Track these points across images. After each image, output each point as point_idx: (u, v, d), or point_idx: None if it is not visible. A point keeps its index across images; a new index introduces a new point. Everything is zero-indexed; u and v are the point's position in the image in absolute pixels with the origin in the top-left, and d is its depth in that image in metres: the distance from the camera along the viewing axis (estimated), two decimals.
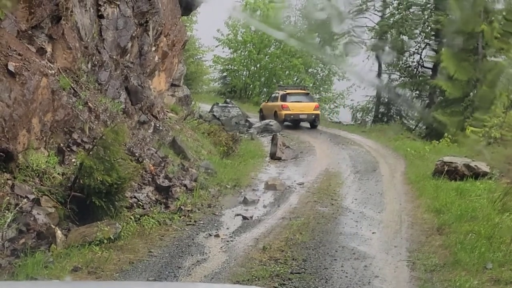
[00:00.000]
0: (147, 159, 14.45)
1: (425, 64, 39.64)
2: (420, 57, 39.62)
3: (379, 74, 41.39)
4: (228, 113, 30.25)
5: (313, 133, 30.04)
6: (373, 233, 11.22)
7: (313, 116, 31.73)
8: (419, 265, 9.09)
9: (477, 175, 16.01)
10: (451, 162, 16.54)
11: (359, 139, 28.00)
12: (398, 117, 40.22)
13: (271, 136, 24.41)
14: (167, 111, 22.27)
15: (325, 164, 20.45)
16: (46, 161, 11.08)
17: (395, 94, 41.29)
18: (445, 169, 16.33)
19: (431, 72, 38.41)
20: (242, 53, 52.50)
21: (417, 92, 39.65)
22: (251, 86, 52.19)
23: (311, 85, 52.43)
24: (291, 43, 44.28)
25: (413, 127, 38.09)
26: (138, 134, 16.23)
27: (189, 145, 19.27)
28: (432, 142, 25.56)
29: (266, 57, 51.59)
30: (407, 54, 40.71)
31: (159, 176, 13.90)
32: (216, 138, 22.40)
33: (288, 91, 33.31)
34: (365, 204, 13.95)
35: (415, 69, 40.36)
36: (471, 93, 30.20)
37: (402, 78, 40.83)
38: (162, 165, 14.77)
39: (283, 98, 32.37)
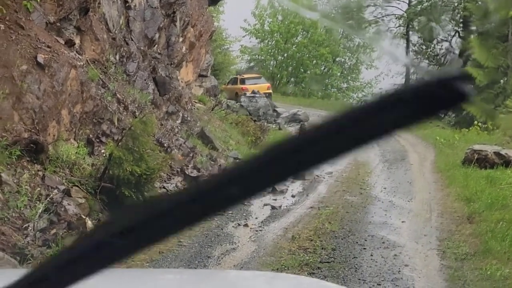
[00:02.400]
0: (175, 150, 14.51)
1: (454, 52, 39.30)
2: (450, 44, 39.26)
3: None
4: (256, 103, 30.31)
5: None
6: (402, 222, 11.14)
7: (267, 95, 35.56)
8: (449, 254, 9.01)
9: (507, 163, 15.80)
10: (481, 150, 16.36)
11: None
12: None
13: (299, 126, 24.38)
14: (195, 102, 22.35)
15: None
16: (76, 152, 11.17)
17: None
18: (475, 157, 16.15)
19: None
20: (269, 43, 52.57)
21: None
22: (278, 75, 52.15)
23: (338, 74, 52.34)
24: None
25: (442, 115, 37.78)
26: (167, 124, 16.30)
27: (217, 136, 19.32)
28: (462, 131, 25.33)
29: (293, 46, 51.54)
30: (435, 41, 40.44)
31: (188, 166, 13.96)
32: (244, 128, 22.41)
33: (245, 76, 40.22)
34: (394, 193, 13.87)
35: (443, 57, 39.97)
36: (501, 81, 29.89)
37: (431, 66, 40.46)
38: (191, 155, 14.82)
39: (242, 81, 38.70)
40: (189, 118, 18.37)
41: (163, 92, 17.46)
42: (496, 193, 12.46)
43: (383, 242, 9.70)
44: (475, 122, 24.98)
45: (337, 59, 53.47)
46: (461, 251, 9.06)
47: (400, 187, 14.50)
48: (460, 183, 14.05)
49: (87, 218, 9.65)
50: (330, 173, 16.42)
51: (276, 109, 32.04)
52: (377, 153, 20.35)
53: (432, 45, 40.34)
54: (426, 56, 40.62)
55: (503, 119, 22.65)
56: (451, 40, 39.29)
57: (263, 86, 37.75)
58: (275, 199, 13.24)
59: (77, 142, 11.61)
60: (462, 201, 12.34)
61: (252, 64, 54.63)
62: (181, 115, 18.07)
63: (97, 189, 10.46)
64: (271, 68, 52.17)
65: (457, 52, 38.46)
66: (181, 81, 20.44)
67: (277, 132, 25.73)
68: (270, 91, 38.37)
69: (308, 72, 51.05)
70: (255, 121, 24.90)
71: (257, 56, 53.60)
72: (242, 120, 23.65)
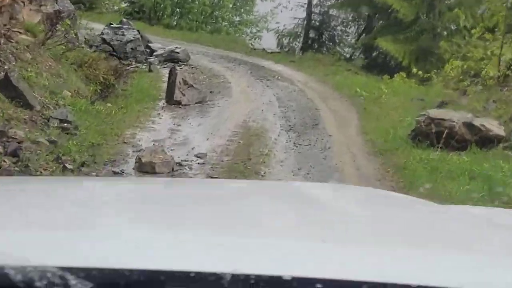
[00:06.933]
0: None
1: None
2: None
3: None
4: (122, 37, 23.61)
5: (230, 64, 23.73)
6: None
7: None
8: None
9: (485, 140, 10.00)
10: (443, 119, 10.37)
11: (288, 72, 21.73)
12: (331, 44, 34.73)
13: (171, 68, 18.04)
14: (18, 32, 15.49)
15: (244, 112, 13.93)
16: None
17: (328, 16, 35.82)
18: (433, 130, 10.21)
19: None
20: None
21: (353, 14, 34.06)
22: (161, 6, 45.89)
23: (230, 5, 47.05)
24: None
25: (349, 55, 32.76)
26: None
27: (42, 84, 12.81)
28: (383, 78, 19.67)
29: None
30: None
31: None
32: (90, 71, 15.71)
33: None
34: None
35: None
36: (426, 15, 24.32)
37: None
38: None
39: None
40: None
41: None
42: None
43: None
44: (413, 69, 19.14)
45: None
46: None
47: None
48: (430, 185, 7.93)
49: None
50: (203, 156, 9.85)
51: (150, 44, 25.54)
52: (277, 113, 14.04)
53: None
54: None
55: (453, 67, 16.66)
56: None
57: None
58: None
59: None
60: None
61: None
62: None
63: None
64: None
65: None
66: None
67: (145, 75, 19.24)
68: None
69: (196, 2, 45.16)
70: (120, 59, 19.19)
71: None
72: (90, 59, 16.69)
